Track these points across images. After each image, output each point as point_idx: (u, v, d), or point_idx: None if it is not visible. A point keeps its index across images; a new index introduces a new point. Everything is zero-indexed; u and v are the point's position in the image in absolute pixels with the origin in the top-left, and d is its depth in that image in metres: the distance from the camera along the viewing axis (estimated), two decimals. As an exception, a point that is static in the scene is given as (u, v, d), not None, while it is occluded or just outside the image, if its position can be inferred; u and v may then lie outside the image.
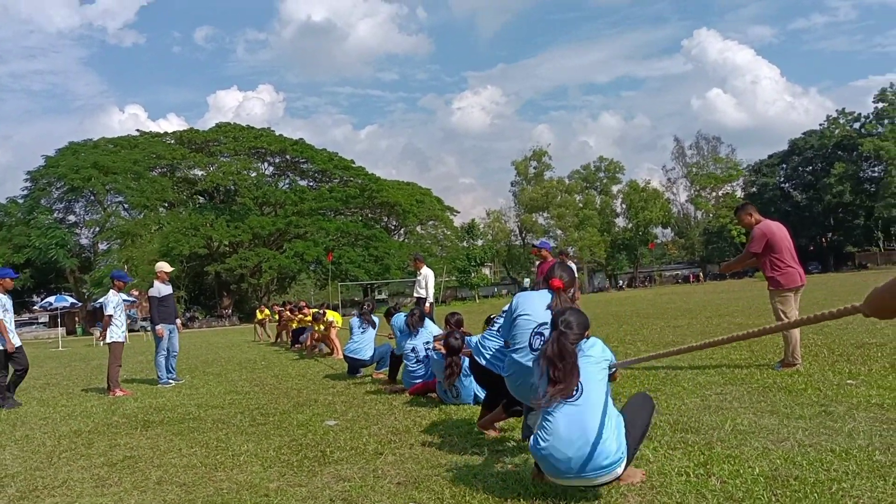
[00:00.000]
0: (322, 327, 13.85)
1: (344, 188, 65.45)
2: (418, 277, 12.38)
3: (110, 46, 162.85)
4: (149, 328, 33.34)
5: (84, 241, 57.56)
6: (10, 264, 42.19)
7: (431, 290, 12.16)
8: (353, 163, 68.03)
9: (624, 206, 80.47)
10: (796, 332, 7.09)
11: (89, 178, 51.16)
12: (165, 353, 10.50)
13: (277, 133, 65.49)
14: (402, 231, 71.79)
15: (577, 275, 12.50)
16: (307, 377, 10.29)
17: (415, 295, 12.41)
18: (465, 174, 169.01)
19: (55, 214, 55.04)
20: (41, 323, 57.26)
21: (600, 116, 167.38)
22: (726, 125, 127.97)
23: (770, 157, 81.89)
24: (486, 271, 77.17)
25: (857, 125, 71.98)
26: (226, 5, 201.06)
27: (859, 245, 75.46)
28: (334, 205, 64.48)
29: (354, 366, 10.00)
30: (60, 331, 36.32)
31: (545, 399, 3.51)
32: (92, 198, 55.22)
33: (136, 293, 23.85)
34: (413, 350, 7.81)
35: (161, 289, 10.53)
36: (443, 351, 6.65)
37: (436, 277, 12.93)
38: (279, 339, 19.90)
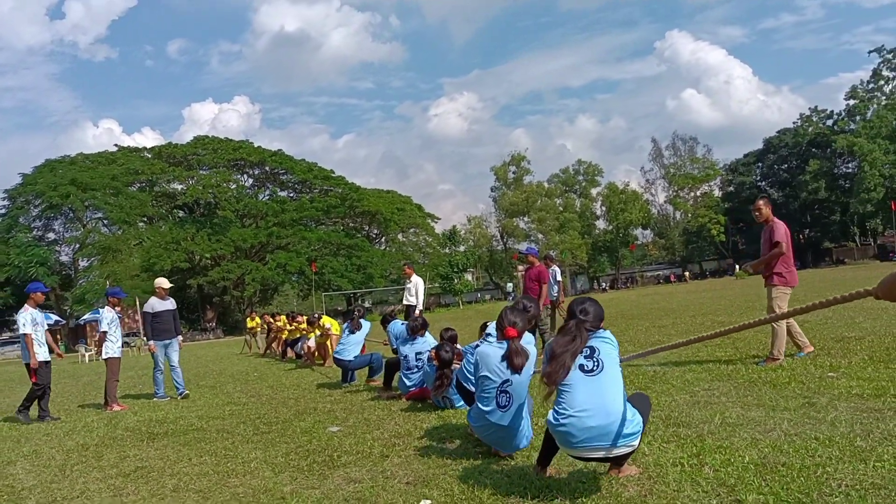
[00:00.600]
0: (318, 332, 13.91)
1: (324, 198, 65.45)
2: (408, 285, 12.60)
3: (82, 61, 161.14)
4: (132, 344, 33.43)
5: (64, 259, 57.02)
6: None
7: (422, 298, 12.39)
8: (333, 172, 68.04)
9: (604, 208, 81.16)
10: (783, 329, 7.37)
11: (68, 195, 50.78)
12: (162, 368, 10.55)
13: (256, 145, 65.45)
14: (383, 240, 71.91)
15: (560, 278, 12.74)
16: (302, 387, 10.45)
17: (405, 302, 12.60)
18: (445, 180, 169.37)
19: (34, 232, 54.51)
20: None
21: (577, 119, 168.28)
22: (701, 125, 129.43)
23: (746, 155, 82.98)
24: (469, 277, 77.45)
25: (829, 122, 73.18)
26: (198, 18, 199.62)
27: (836, 241, 76.60)
28: (315, 215, 64.46)
29: (342, 368, 10.15)
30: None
31: (562, 375, 3.72)
32: (71, 214, 54.80)
33: (118, 309, 23.71)
34: (417, 355, 7.90)
35: (155, 304, 10.56)
36: (436, 362, 6.83)
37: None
38: (268, 351, 19.88)
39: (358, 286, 60.84)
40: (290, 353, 16.72)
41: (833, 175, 71.14)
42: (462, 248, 73.85)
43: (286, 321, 18.23)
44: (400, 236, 71.11)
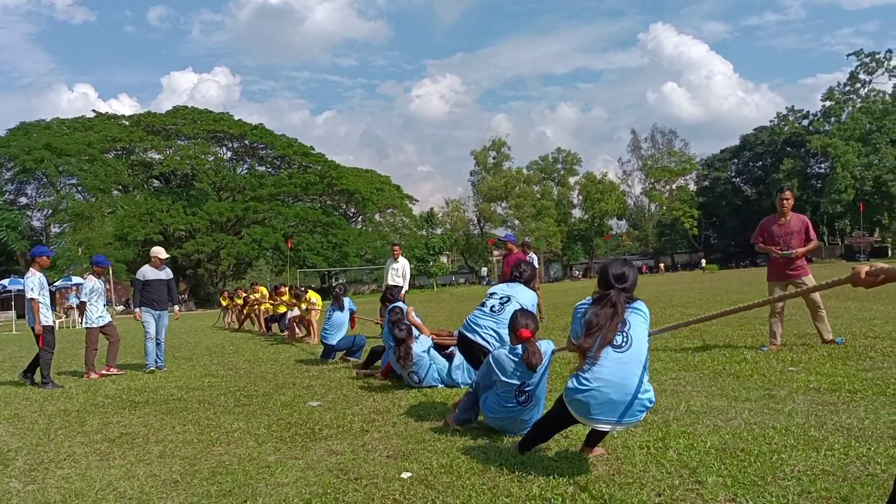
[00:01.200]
0: (304, 306, 13.93)
1: (303, 175, 65.11)
2: (395, 265, 12.85)
3: (59, 23, 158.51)
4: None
5: (36, 224, 56.25)
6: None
7: (408, 278, 12.74)
8: (313, 149, 67.74)
9: (581, 197, 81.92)
10: (825, 312, 8.07)
11: (42, 160, 49.96)
12: (153, 337, 10.27)
13: (237, 118, 64.85)
14: (360, 219, 71.86)
15: (537, 265, 13.08)
16: (279, 362, 10.58)
17: (390, 282, 12.82)
18: (424, 162, 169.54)
19: (6, 196, 53.63)
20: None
21: (558, 107, 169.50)
22: (681, 119, 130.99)
23: (722, 151, 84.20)
24: (445, 260, 77.76)
25: (805, 122, 74.48)
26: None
27: (805, 239, 78.06)
28: (293, 191, 64.20)
29: (326, 347, 10.29)
30: (12, 314, 35.71)
31: (595, 348, 3.77)
32: (45, 180, 53.91)
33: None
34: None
35: (147, 272, 10.33)
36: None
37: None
38: (242, 327, 19.76)
39: (333, 264, 60.86)
40: (273, 329, 16.55)
41: (806, 174, 72.49)
42: (439, 231, 74.07)
43: (265, 292, 18.01)
44: (377, 216, 71.14)
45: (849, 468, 3.60)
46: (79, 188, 54.95)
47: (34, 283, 9.04)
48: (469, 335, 5.80)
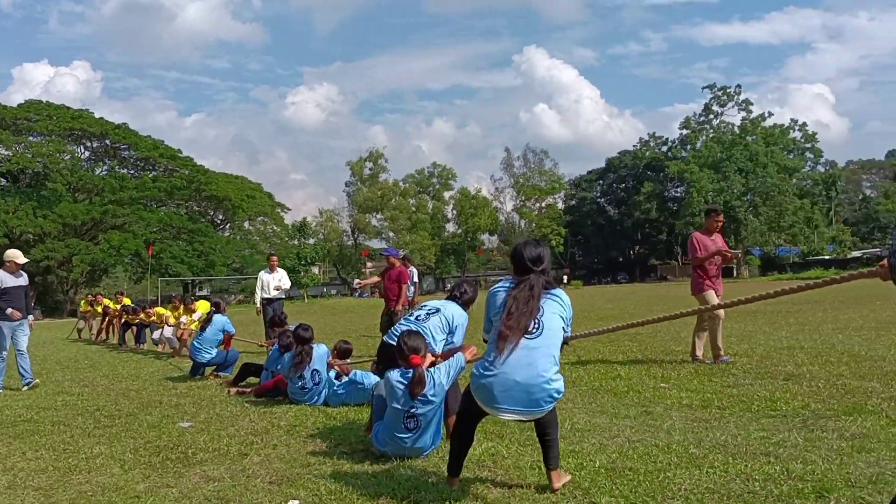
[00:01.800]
0: (188, 317, 12.91)
1: (169, 178, 62.09)
2: (271, 276, 12.57)
3: None
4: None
5: None
6: None
7: (286, 286, 12.55)
8: (181, 152, 64.85)
9: (455, 211, 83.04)
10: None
11: None
12: (6, 353, 9.15)
13: (97, 116, 60.99)
14: (228, 226, 69.48)
15: (417, 279, 13.18)
16: (142, 377, 9.93)
17: (266, 294, 12.48)
18: (298, 170, 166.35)
19: None
20: None
21: (434, 122, 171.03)
22: (551, 139, 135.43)
23: (589, 172, 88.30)
24: (316, 270, 76.44)
25: (664, 148, 79.36)
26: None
27: (661, 258, 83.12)
28: (157, 195, 61.05)
29: (195, 363, 9.74)
30: None
31: (503, 335, 3.64)
32: None
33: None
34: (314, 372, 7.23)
35: (5, 279, 9.13)
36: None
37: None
38: (100, 337, 18.48)
39: (198, 273, 58.33)
40: (128, 341, 15.55)
41: (664, 197, 77.15)
42: (312, 241, 72.74)
43: (162, 313, 16.20)
44: (247, 224, 69.08)
45: (730, 486, 3.73)
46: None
47: None
48: (389, 341, 5.63)
